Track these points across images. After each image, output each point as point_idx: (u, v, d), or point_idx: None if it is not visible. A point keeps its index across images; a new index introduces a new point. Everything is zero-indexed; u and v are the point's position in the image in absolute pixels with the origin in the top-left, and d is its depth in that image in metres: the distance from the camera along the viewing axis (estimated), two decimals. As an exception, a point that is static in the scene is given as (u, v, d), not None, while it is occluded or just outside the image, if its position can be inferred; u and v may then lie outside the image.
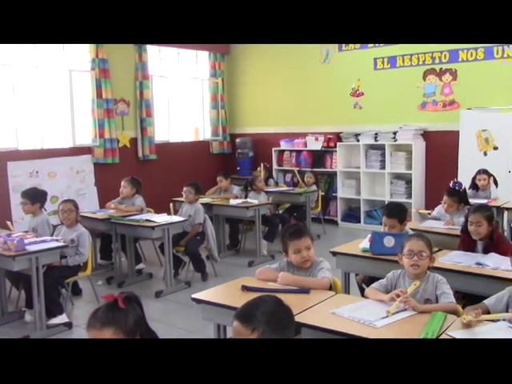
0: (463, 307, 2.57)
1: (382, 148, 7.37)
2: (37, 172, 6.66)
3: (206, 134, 9.07)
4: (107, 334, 1.67)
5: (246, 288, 2.77)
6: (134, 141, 7.83)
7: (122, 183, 5.74)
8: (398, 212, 3.72)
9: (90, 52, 7.23)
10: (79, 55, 7.22)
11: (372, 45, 7.57)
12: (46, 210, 4.86)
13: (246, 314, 1.76)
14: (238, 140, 9.00)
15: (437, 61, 7.07)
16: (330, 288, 2.85)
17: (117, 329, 1.68)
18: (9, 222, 4.58)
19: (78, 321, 4.29)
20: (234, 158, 9.01)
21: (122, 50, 7.47)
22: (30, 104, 6.77)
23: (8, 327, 4.22)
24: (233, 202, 6.09)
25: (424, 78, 7.19)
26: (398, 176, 7.39)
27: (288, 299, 1.92)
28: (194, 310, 3.72)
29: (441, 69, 7.05)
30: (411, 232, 3.65)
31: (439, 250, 3.50)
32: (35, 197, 4.70)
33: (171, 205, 5.18)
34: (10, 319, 4.34)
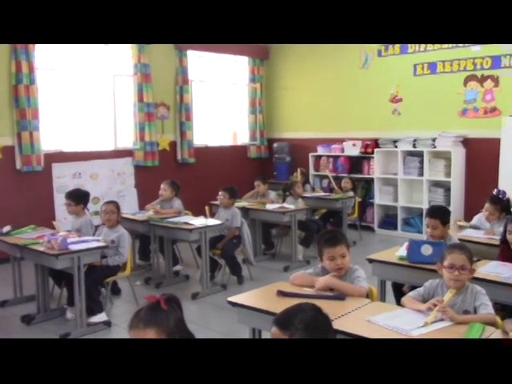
0: (502, 319, 2.53)
1: (420, 155, 7.27)
2: (79, 173, 6.87)
3: (243, 138, 9.15)
4: (150, 334, 1.70)
5: (281, 293, 2.80)
6: (173, 144, 7.97)
7: (162, 186, 5.86)
8: (440, 213, 3.70)
9: (132, 57, 7.41)
10: (122, 60, 7.40)
11: (412, 50, 7.50)
12: (88, 211, 5.00)
13: (284, 321, 1.79)
14: (275, 145, 9.03)
15: (478, 67, 6.94)
16: (366, 296, 2.85)
17: (159, 329, 1.71)
18: (55, 222, 4.71)
19: (116, 320, 4.40)
20: (271, 162, 9.05)
21: (163, 55, 7.62)
22: (75, 107, 6.97)
23: (50, 324, 4.36)
24: (269, 206, 6.10)
25: (465, 84, 7.07)
26: (436, 183, 7.28)
27: (323, 305, 1.93)
28: (230, 312, 3.76)
29: (482, 75, 6.92)
30: (455, 239, 3.61)
31: (478, 260, 3.45)
32: (79, 198, 4.83)
33: (206, 208, 5.25)
34: (52, 316, 4.48)
